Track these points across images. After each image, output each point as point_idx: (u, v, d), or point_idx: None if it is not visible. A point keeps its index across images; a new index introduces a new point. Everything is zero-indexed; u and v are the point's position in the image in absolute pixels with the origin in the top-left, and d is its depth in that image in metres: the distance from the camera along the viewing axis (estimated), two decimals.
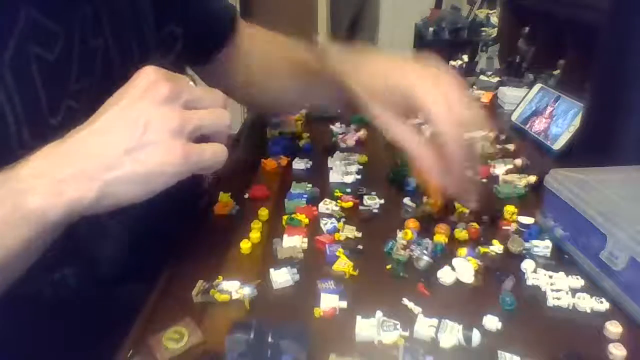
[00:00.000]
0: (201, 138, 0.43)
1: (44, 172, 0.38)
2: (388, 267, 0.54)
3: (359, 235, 0.60)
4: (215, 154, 0.43)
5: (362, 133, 0.90)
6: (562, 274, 0.53)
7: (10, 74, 0.41)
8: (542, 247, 0.57)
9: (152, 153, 0.39)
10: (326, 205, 0.65)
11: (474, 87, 1.21)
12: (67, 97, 0.48)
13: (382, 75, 0.59)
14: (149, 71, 0.42)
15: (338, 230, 0.60)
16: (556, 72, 1.21)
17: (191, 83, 0.45)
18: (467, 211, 0.64)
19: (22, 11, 0.41)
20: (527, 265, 0.54)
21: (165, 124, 0.40)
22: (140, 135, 0.39)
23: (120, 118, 0.40)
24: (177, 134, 0.40)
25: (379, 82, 0.59)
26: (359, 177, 0.75)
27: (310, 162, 0.79)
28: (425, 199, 0.66)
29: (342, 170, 0.75)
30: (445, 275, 0.52)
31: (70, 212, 0.39)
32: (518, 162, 0.79)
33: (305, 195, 0.68)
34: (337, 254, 0.55)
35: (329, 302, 0.48)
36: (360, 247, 0.57)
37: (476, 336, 0.44)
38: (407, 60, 0.60)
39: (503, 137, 0.91)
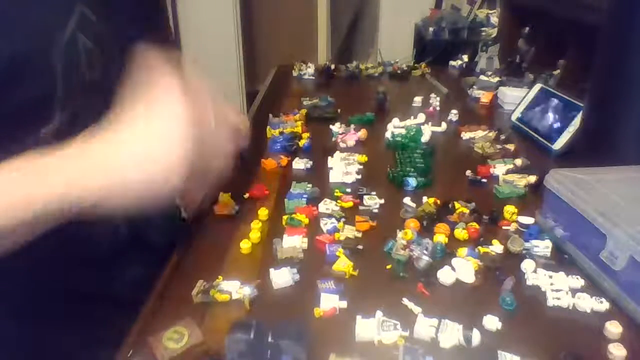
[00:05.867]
0: None
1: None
2: (388, 267, 0.54)
3: (359, 235, 0.60)
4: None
5: (362, 133, 0.90)
6: (562, 274, 0.53)
7: (63, 57, 0.46)
8: (542, 247, 0.57)
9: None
10: (326, 205, 0.65)
11: (474, 87, 1.20)
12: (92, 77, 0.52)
13: None
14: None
15: (338, 230, 0.60)
16: (556, 72, 1.21)
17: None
18: (467, 211, 0.64)
19: (76, 7, 0.49)
20: (527, 265, 0.54)
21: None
22: None
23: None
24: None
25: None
26: (359, 177, 0.75)
27: (310, 162, 0.79)
28: (425, 198, 0.66)
29: (342, 170, 0.75)
30: (445, 275, 0.52)
31: None
32: (518, 162, 0.79)
33: (305, 195, 0.68)
34: (337, 254, 0.55)
35: (329, 302, 0.48)
36: (360, 247, 0.57)
37: (476, 336, 0.44)
38: None
39: (503, 137, 0.91)
